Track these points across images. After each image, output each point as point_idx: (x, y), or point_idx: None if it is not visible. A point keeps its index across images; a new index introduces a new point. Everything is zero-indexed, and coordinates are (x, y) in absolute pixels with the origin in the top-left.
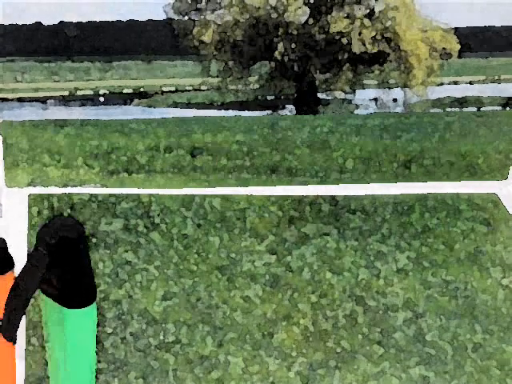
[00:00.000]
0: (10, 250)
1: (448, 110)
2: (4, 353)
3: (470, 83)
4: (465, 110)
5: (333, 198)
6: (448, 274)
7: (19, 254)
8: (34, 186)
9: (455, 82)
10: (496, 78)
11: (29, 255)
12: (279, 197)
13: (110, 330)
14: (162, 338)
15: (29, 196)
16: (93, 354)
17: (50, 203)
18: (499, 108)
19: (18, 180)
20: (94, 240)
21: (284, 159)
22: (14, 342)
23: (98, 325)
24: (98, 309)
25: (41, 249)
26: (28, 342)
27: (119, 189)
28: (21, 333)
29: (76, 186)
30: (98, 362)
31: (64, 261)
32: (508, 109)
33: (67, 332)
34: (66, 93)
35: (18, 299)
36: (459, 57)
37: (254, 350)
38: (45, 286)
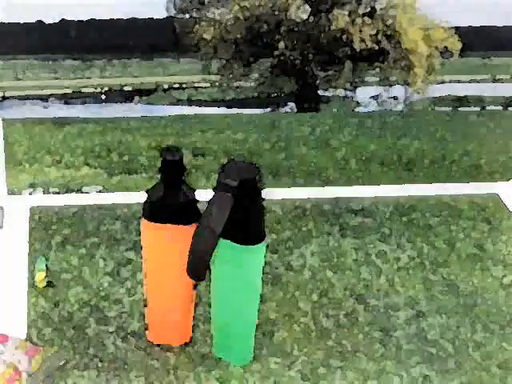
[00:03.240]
0: (10, 259)
1: (449, 108)
2: (186, 295)
3: (472, 82)
4: (466, 109)
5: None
6: (449, 272)
7: (19, 261)
8: (35, 188)
9: (456, 81)
10: (498, 77)
11: (213, 200)
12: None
13: (111, 329)
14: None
15: (30, 209)
16: (260, 286)
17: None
18: (500, 108)
19: (19, 180)
20: (95, 239)
21: (285, 158)
22: (199, 280)
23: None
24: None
25: (224, 192)
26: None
27: (120, 193)
28: None
29: (77, 187)
30: (100, 361)
31: (245, 201)
32: (510, 108)
33: (245, 267)
34: (67, 91)
35: (207, 242)
36: (461, 56)
37: (254, 349)
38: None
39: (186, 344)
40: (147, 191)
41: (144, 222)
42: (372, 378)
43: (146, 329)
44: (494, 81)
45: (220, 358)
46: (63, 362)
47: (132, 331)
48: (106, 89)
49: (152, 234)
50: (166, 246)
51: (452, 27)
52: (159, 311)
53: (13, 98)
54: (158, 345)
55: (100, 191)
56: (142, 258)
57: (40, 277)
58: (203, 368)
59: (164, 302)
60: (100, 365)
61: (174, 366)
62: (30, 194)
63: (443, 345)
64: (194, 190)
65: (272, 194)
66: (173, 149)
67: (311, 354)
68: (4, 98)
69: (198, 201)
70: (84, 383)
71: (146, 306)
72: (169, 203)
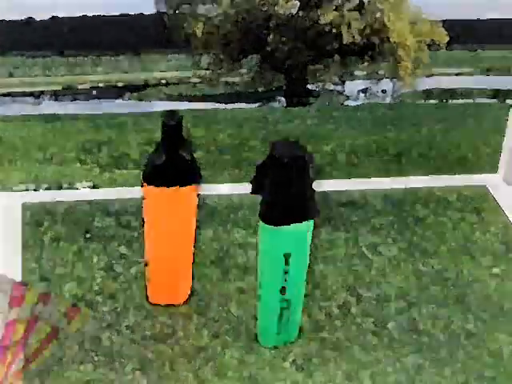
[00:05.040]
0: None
1: (437, 101)
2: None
3: (459, 75)
4: (454, 101)
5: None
6: (439, 263)
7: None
8: (27, 184)
9: (444, 74)
10: (485, 70)
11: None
12: None
13: (104, 324)
14: (157, 330)
15: (22, 205)
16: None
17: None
18: (488, 100)
19: (11, 177)
20: (88, 235)
21: None
22: None
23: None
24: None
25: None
26: None
27: (112, 189)
28: None
29: (69, 183)
30: (96, 355)
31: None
32: (497, 101)
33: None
34: (59, 87)
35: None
36: (448, 48)
37: (249, 341)
38: None
39: (185, 302)
40: (147, 157)
41: (145, 187)
42: (366, 368)
43: (147, 292)
44: (482, 73)
45: (217, 352)
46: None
47: (127, 325)
48: (97, 85)
49: (154, 197)
50: (167, 207)
51: (439, 20)
52: (160, 272)
53: (4, 95)
54: (154, 337)
55: (91, 187)
56: (142, 227)
57: None
58: (199, 360)
59: (165, 262)
60: (96, 359)
61: (169, 358)
62: (22, 190)
63: (435, 334)
64: (192, 151)
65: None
66: (171, 113)
67: (305, 346)
68: None
69: (197, 163)
70: (80, 377)
71: (146, 265)
72: (169, 167)
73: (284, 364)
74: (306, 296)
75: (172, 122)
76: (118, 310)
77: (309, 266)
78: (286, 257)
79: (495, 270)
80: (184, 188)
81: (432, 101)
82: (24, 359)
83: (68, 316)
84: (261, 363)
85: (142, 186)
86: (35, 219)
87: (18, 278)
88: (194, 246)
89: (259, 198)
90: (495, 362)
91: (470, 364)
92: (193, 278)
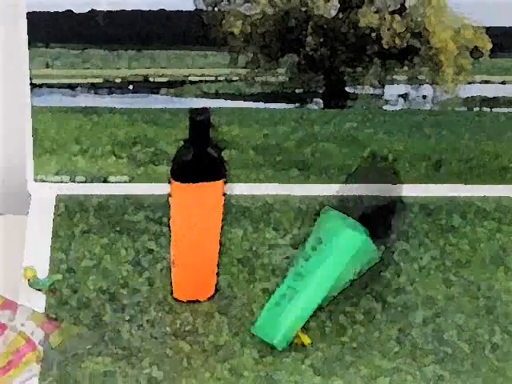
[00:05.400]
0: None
1: (479, 109)
2: (213, 251)
3: (502, 83)
4: (496, 109)
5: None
6: (471, 273)
7: (43, 248)
8: (62, 176)
9: (486, 82)
10: None
11: None
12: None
13: (127, 317)
14: (178, 326)
15: (56, 197)
16: None
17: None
18: None
19: (46, 169)
20: (118, 229)
21: (311, 155)
22: None
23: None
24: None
25: None
26: None
27: (145, 184)
28: None
29: (103, 177)
30: (115, 348)
31: None
32: None
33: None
34: (96, 80)
35: None
36: (491, 56)
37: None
38: None
39: (211, 297)
40: (176, 153)
41: (173, 183)
42: (385, 376)
43: (172, 289)
44: None
45: (235, 351)
46: (89, 346)
47: (148, 320)
48: (134, 79)
49: (181, 194)
50: (193, 203)
51: (483, 27)
52: (187, 269)
53: (42, 85)
54: (174, 333)
55: (125, 181)
56: (169, 226)
57: (28, 273)
58: (216, 358)
59: (192, 259)
60: (115, 351)
61: (187, 355)
62: (57, 182)
63: (459, 345)
64: (220, 148)
65: (296, 189)
66: (200, 109)
67: (325, 349)
68: (34, 85)
69: (223, 159)
70: (98, 369)
71: (172, 269)
72: (197, 163)
73: (302, 367)
74: (329, 303)
75: (200, 118)
76: (141, 304)
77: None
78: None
79: None
80: (210, 183)
81: (474, 108)
82: None
83: (45, 329)
84: (278, 364)
85: (169, 183)
86: (68, 211)
87: (46, 269)
88: (220, 244)
89: (292, 199)
90: None
91: (492, 377)
92: (218, 275)
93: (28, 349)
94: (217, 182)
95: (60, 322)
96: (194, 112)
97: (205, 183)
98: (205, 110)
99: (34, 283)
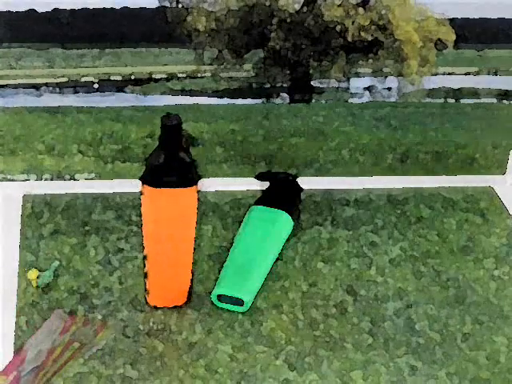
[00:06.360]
0: None
1: (443, 100)
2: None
3: (466, 74)
4: (461, 101)
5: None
6: (440, 264)
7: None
8: (29, 174)
9: (450, 73)
10: (492, 69)
11: None
12: None
13: (99, 317)
14: (151, 325)
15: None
16: None
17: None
18: (495, 100)
19: (13, 168)
20: (87, 228)
21: (279, 149)
22: None
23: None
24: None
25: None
26: None
27: (112, 181)
28: None
29: (71, 175)
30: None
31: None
32: (505, 101)
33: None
34: (60, 80)
35: None
36: (455, 47)
37: (242, 338)
38: None
39: (186, 303)
40: (146, 158)
41: (145, 188)
42: (358, 368)
43: (147, 293)
44: (489, 73)
45: (209, 348)
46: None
47: (120, 319)
48: (99, 78)
49: (153, 199)
50: (167, 209)
51: (446, 18)
52: (160, 274)
53: (6, 86)
54: (147, 332)
55: (92, 179)
56: (140, 225)
57: (32, 275)
58: (190, 355)
59: (165, 264)
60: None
61: (160, 354)
62: (23, 181)
63: (431, 336)
64: (191, 155)
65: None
66: (171, 114)
67: (298, 344)
68: None
69: (196, 164)
70: (71, 370)
71: (145, 275)
72: (168, 168)
73: (276, 362)
74: (303, 293)
75: (171, 123)
76: (112, 303)
77: (306, 265)
78: None
79: (497, 273)
80: (183, 189)
81: (438, 100)
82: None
83: (96, 331)
84: (252, 360)
85: (141, 188)
86: (35, 212)
87: (15, 270)
88: (194, 247)
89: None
90: (491, 364)
91: (465, 366)
92: (192, 275)
93: (78, 351)
94: (189, 188)
95: (106, 322)
96: (165, 118)
97: (176, 189)
98: (174, 115)
99: (41, 281)
